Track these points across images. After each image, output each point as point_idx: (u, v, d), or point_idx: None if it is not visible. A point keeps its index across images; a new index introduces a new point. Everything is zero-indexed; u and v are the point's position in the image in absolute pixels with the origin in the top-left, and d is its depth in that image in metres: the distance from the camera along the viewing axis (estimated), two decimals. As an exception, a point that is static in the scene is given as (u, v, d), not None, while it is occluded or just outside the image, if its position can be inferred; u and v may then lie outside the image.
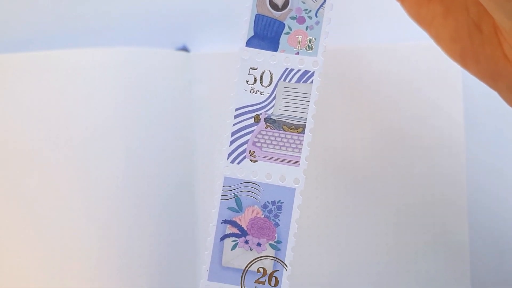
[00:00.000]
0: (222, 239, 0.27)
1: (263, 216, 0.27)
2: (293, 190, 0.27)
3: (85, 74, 0.42)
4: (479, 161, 0.44)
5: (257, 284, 0.26)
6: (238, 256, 0.27)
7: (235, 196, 0.27)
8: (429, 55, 0.43)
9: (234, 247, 0.27)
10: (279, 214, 0.27)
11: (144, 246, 0.41)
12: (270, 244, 0.27)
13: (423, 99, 0.43)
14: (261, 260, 0.27)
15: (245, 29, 0.27)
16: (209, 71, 0.44)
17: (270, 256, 0.27)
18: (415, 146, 0.43)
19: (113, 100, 0.42)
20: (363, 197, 0.43)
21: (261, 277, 0.26)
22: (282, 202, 0.27)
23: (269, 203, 0.27)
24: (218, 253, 0.27)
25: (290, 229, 0.27)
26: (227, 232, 0.27)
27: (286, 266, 0.27)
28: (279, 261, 0.26)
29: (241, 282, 0.26)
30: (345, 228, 0.43)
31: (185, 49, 0.45)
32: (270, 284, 0.26)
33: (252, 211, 0.27)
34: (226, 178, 0.27)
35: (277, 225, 0.27)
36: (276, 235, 0.27)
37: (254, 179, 0.27)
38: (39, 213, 0.42)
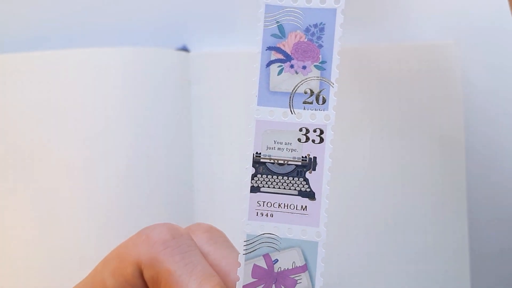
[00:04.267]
0: (268, 65, 0.27)
1: (306, 40, 0.27)
2: (334, 10, 0.27)
3: (85, 74, 0.42)
4: (479, 161, 0.44)
5: (305, 105, 0.27)
6: (285, 81, 0.27)
7: (278, 23, 0.27)
8: (429, 55, 0.43)
9: (280, 72, 0.27)
10: (321, 36, 0.27)
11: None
12: (315, 66, 0.27)
13: (423, 99, 0.43)
14: (307, 82, 0.27)
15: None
16: (209, 71, 0.44)
17: (316, 77, 0.27)
18: (415, 145, 0.43)
19: (113, 100, 0.42)
20: (362, 197, 0.43)
21: (308, 98, 0.27)
22: (324, 24, 0.27)
23: (311, 26, 0.27)
24: (265, 79, 0.27)
25: (334, 47, 0.27)
26: (272, 58, 0.27)
27: (333, 83, 0.27)
28: (325, 80, 0.27)
29: (289, 104, 0.27)
30: (344, 228, 0.43)
31: (185, 49, 0.45)
32: (318, 103, 0.27)
33: (295, 36, 0.27)
34: (267, 6, 0.27)
35: (320, 46, 0.27)
36: (320, 56, 0.27)
37: (294, 4, 0.27)
38: (39, 213, 0.42)
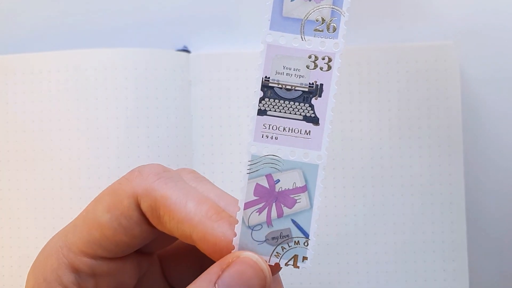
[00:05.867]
0: None
1: None
2: None
3: (86, 75, 0.42)
4: (478, 161, 0.44)
5: (315, 32, 0.27)
6: (298, 7, 0.27)
7: None
8: (429, 56, 0.43)
9: None
10: None
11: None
12: None
13: (422, 99, 0.43)
14: (320, 9, 0.27)
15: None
16: (209, 71, 0.44)
17: (328, 5, 0.27)
18: (414, 146, 0.43)
19: (113, 100, 0.42)
20: (362, 197, 0.43)
21: (319, 25, 0.27)
22: None
23: None
24: (279, 4, 0.27)
25: None
26: None
27: (344, 12, 0.27)
28: (336, 8, 0.27)
29: (300, 30, 0.27)
30: (344, 228, 0.43)
31: (185, 49, 0.45)
32: (328, 31, 0.27)
33: None
34: None
35: None
36: None
37: None
38: (39, 213, 0.42)
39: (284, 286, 0.30)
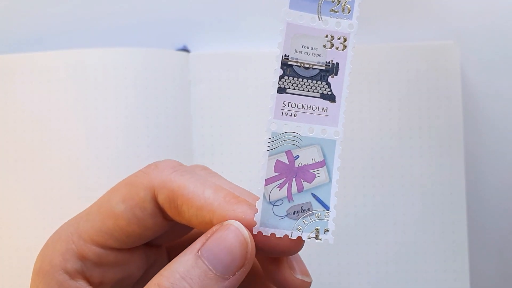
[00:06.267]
0: None
1: None
2: None
3: (86, 75, 0.42)
4: (479, 161, 0.44)
5: (331, 13, 0.28)
6: None
7: None
8: (429, 56, 0.43)
9: None
10: None
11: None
12: None
13: (422, 99, 0.43)
14: None
15: None
16: (209, 71, 0.44)
17: None
18: (415, 146, 0.43)
19: (113, 100, 0.42)
20: (362, 197, 0.43)
21: (335, 6, 0.28)
22: None
23: None
24: None
25: None
26: None
27: None
28: None
29: (317, 10, 0.28)
30: (344, 228, 0.43)
31: (185, 49, 0.45)
32: (343, 12, 0.28)
33: None
34: None
35: None
36: None
37: None
38: (39, 213, 0.42)
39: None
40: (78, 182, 0.42)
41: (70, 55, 0.43)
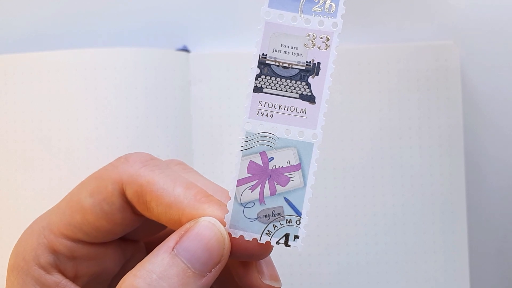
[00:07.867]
0: None
1: None
2: None
3: (86, 75, 0.42)
4: (479, 161, 0.44)
5: (314, 11, 0.27)
6: None
7: None
8: (430, 55, 0.43)
9: None
10: None
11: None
12: None
13: (423, 99, 0.43)
14: None
15: None
16: (209, 71, 0.44)
17: None
18: (415, 145, 0.43)
19: (113, 100, 0.42)
20: (362, 197, 0.43)
21: (318, 5, 0.27)
22: None
23: None
24: None
25: None
26: None
27: None
28: None
29: (299, 9, 0.27)
30: (344, 228, 0.43)
31: (185, 49, 0.45)
32: (327, 11, 0.27)
33: None
34: None
35: None
36: None
37: None
38: (39, 214, 0.42)
39: (284, 286, 0.30)
40: (78, 182, 0.42)
41: (70, 55, 0.43)
